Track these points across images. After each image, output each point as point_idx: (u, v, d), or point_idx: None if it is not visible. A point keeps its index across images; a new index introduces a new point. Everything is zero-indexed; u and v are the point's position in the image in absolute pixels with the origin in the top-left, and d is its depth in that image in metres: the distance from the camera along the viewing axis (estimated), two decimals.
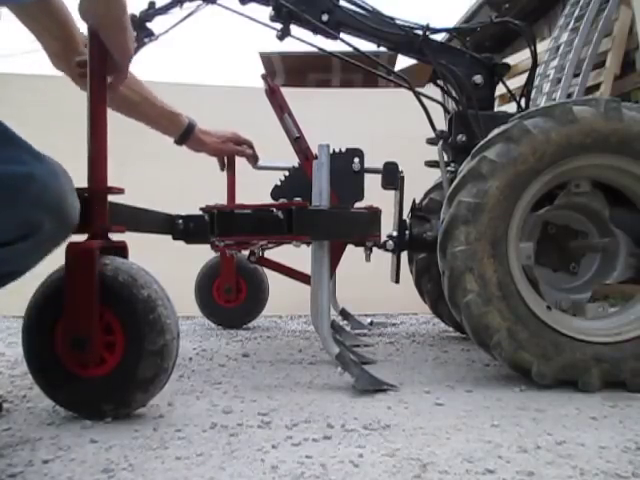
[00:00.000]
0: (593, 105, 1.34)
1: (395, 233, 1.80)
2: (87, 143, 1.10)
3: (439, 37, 1.74)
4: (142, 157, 2.80)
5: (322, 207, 1.37)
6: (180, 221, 1.55)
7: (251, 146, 2.09)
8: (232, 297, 2.31)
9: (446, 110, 1.83)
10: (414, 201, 1.91)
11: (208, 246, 1.89)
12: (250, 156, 2.09)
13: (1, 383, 1.40)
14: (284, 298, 2.50)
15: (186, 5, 1.74)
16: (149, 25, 1.78)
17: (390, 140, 2.63)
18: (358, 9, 1.68)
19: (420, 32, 1.68)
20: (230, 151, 2.05)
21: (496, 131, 1.39)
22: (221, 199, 1.93)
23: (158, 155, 2.81)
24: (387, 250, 1.80)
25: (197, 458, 0.90)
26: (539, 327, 1.32)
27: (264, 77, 1.88)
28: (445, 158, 1.72)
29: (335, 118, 2.83)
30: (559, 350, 1.31)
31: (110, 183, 1.12)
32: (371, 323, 2.43)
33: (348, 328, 2.20)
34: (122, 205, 1.21)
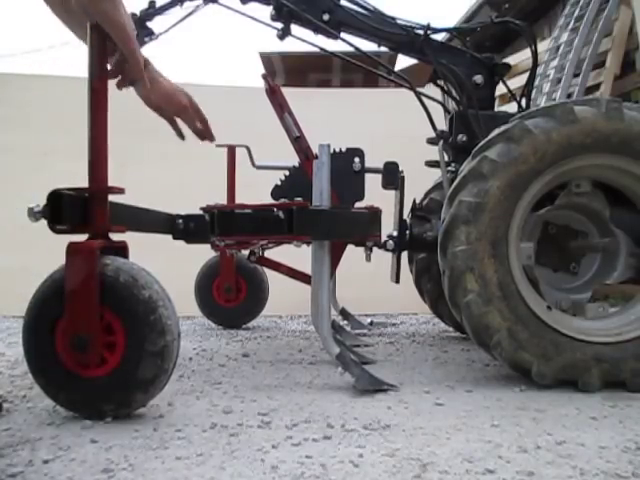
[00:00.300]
0: (594, 105, 1.34)
1: (395, 233, 1.80)
2: (87, 143, 1.10)
3: (439, 37, 1.74)
4: (142, 157, 2.80)
5: (323, 207, 1.37)
6: (180, 221, 1.55)
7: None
8: (232, 297, 2.31)
9: (446, 110, 1.83)
10: (414, 201, 1.91)
11: (208, 246, 1.89)
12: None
13: (1, 383, 1.39)
14: (284, 298, 2.50)
15: (186, 4, 1.74)
16: (149, 24, 1.79)
17: (390, 140, 2.63)
18: (359, 9, 1.68)
19: (421, 32, 1.68)
20: (177, 105, 1.51)
21: (497, 131, 1.38)
22: (221, 199, 1.93)
23: (158, 155, 2.82)
24: (387, 250, 1.80)
25: (197, 458, 0.90)
26: (539, 327, 1.32)
27: (264, 77, 1.88)
28: (445, 158, 1.72)
29: (335, 118, 2.83)
30: (559, 350, 1.31)
31: (110, 183, 1.12)
32: (371, 323, 2.43)
33: (348, 328, 2.20)
34: (122, 205, 1.21)
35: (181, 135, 1.58)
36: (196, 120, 1.57)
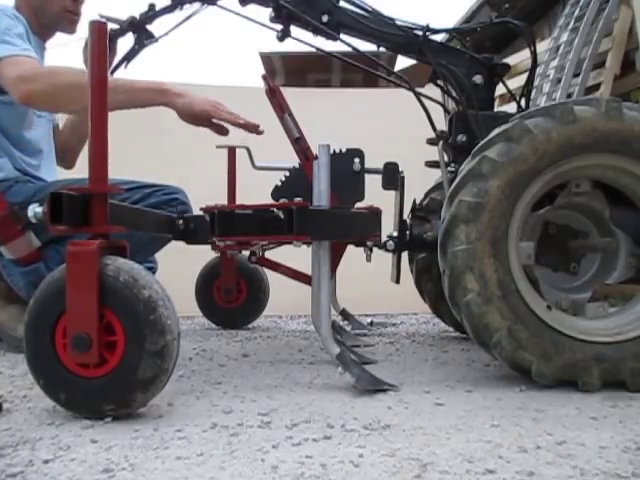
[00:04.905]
0: (594, 105, 1.34)
1: (395, 233, 1.80)
2: (87, 143, 1.10)
3: (439, 37, 1.74)
4: (142, 157, 2.80)
5: (323, 207, 1.37)
6: (180, 221, 1.55)
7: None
8: (232, 298, 2.31)
9: (446, 110, 1.83)
10: (414, 201, 1.91)
11: (208, 246, 1.89)
12: None
13: (1, 383, 1.39)
14: (284, 298, 2.50)
15: (186, 6, 1.74)
16: (149, 27, 1.78)
17: (390, 140, 2.63)
18: (358, 10, 1.68)
19: (420, 32, 1.68)
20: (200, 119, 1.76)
21: (497, 131, 1.38)
22: (221, 199, 1.93)
23: (158, 155, 2.82)
24: (387, 250, 1.79)
25: (197, 458, 0.90)
26: (539, 327, 1.32)
27: (264, 78, 1.88)
28: (445, 158, 1.72)
29: (335, 118, 2.83)
30: (559, 350, 1.31)
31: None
32: (371, 323, 2.43)
33: (348, 328, 2.20)
34: (122, 205, 1.21)
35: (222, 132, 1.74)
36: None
